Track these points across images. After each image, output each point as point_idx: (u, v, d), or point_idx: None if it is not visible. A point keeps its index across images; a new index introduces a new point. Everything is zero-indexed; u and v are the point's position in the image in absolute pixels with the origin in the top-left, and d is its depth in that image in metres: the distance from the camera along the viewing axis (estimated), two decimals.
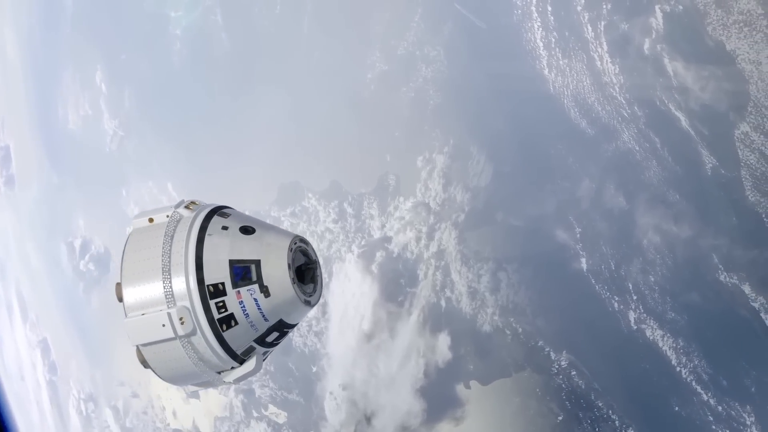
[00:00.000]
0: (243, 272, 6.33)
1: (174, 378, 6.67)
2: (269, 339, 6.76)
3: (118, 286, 6.40)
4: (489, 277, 31.49)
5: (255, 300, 6.35)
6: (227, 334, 6.33)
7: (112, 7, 44.91)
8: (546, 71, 30.09)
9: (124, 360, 45.11)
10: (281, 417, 38.33)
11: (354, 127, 34.48)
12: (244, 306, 6.31)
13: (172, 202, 6.85)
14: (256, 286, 6.33)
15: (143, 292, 6.20)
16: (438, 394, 32.58)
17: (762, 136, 25.62)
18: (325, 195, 36.08)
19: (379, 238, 34.38)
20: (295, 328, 6.97)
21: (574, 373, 29.66)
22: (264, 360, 6.98)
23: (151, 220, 6.68)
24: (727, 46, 25.97)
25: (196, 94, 40.52)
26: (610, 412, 28.86)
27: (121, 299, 6.35)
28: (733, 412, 26.46)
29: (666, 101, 27.48)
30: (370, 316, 33.57)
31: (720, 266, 26.53)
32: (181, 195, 36.95)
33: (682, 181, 27.41)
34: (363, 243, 34.83)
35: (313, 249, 7.12)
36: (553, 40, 29.95)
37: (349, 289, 34.48)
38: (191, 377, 6.60)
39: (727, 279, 26.43)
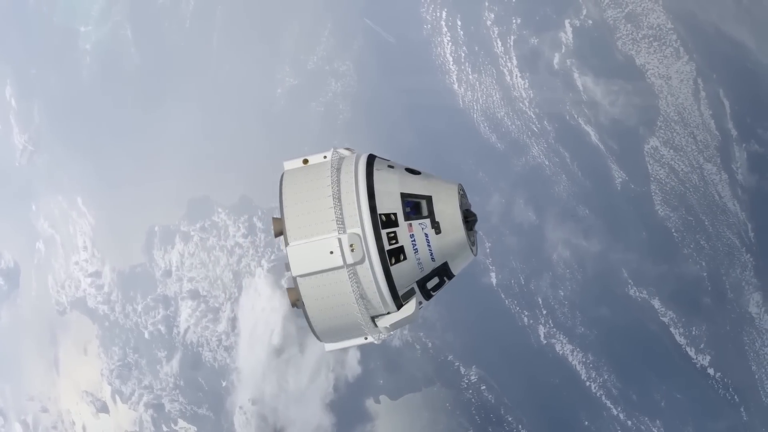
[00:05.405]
0: (414, 206, 5.97)
1: (325, 324, 5.98)
2: (429, 285, 6.19)
3: (276, 220, 5.95)
4: None
5: (426, 235, 5.88)
6: (394, 269, 5.82)
7: (21, 21, 40.05)
8: (455, 86, 27.66)
9: (33, 374, 40.66)
10: (191, 431, 34.60)
11: (264, 142, 31.14)
12: (414, 240, 5.83)
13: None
14: (428, 221, 5.90)
15: (309, 219, 5.73)
16: (348, 409, 29.87)
17: (672, 151, 23.92)
18: (234, 209, 32.75)
19: None
20: (454, 280, 6.38)
21: (483, 387, 27.24)
22: (419, 309, 6.40)
23: (305, 161, 6.33)
24: (636, 61, 24.23)
25: (107, 109, 36.27)
26: (520, 426, 26.60)
27: (278, 234, 5.84)
28: (642, 427, 24.55)
29: (576, 116, 25.46)
30: (280, 330, 30.57)
31: (630, 281, 24.66)
32: (91, 210, 31.56)
33: (592, 196, 25.48)
34: (273, 258, 31.87)
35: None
36: (463, 54, 27.58)
37: (259, 304, 31.53)
38: (345, 326, 5.97)
39: (637, 293, 24.57)
